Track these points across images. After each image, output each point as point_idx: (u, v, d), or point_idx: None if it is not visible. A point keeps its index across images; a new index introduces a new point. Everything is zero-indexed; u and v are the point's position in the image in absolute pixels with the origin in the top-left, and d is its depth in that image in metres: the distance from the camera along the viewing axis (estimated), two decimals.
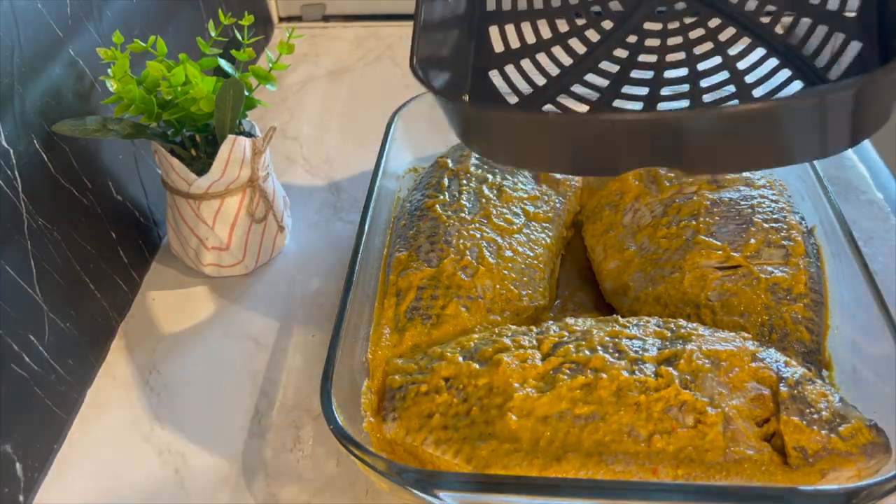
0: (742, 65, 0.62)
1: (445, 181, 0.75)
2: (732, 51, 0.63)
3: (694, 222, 0.66)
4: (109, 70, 0.67)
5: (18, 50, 0.61)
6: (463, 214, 0.70)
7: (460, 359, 0.57)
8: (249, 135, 0.74)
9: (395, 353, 0.62)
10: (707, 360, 0.54)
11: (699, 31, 0.64)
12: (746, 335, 0.57)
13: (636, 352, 0.55)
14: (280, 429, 0.64)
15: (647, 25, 0.65)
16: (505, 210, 0.72)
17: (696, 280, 0.63)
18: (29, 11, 0.63)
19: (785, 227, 0.66)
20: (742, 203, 0.67)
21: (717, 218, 0.66)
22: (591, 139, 0.47)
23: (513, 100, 0.65)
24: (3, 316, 0.57)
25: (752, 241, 0.64)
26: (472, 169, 0.76)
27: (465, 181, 0.74)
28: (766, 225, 0.65)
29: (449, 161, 0.78)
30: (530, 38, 0.66)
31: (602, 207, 0.73)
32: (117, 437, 0.64)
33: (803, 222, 0.68)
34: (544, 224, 0.72)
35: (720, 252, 0.64)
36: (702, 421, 0.51)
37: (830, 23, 0.59)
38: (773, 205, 0.68)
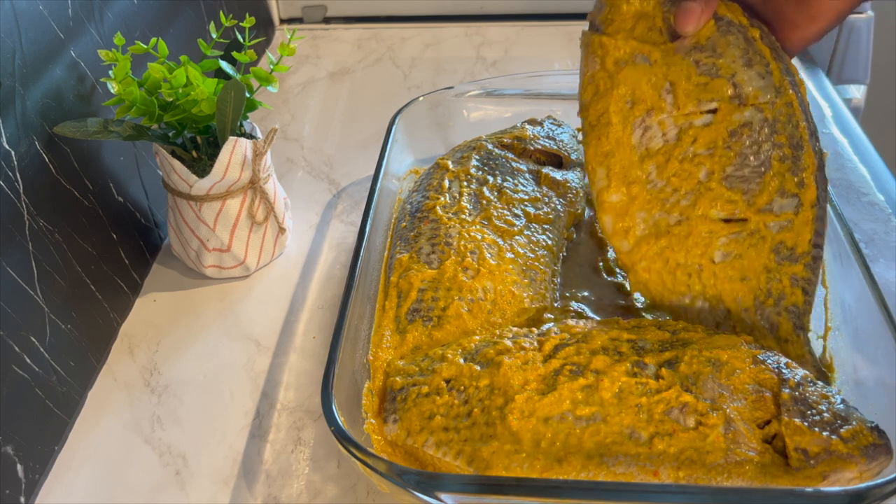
0: None
1: (446, 183, 0.75)
2: None
3: (709, 159, 0.61)
4: (111, 72, 0.67)
5: (20, 51, 0.61)
6: (464, 216, 0.70)
7: (461, 360, 0.57)
8: (250, 136, 0.74)
9: (397, 354, 0.62)
10: (708, 362, 0.54)
11: None
12: (748, 338, 0.57)
13: (637, 353, 0.55)
14: (281, 430, 0.64)
15: None
16: (506, 211, 0.72)
17: (701, 238, 0.61)
18: (30, 13, 0.63)
19: (801, 165, 0.61)
20: (764, 130, 0.61)
21: (733, 155, 0.61)
22: None
23: None
24: (4, 317, 0.57)
25: (767, 191, 0.60)
26: (473, 171, 0.76)
27: (465, 183, 0.74)
28: (782, 166, 0.60)
29: (449, 162, 0.78)
30: None
31: (609, 115, 0.63)
32: (118, 439, 0.64)
33: (817, 147, 0.62)
34: (545, 226, 0.72)
35: (732, 204, 0.60)
36: (703, 423, 0.51)
37: None
38: (794, 130, 0.61)
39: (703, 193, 0.61)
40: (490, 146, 0.79)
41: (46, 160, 0.64)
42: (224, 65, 0.72)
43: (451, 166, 0.77)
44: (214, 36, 0.72)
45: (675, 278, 0.61)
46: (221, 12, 0.74)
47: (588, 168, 0.65)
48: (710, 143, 0.61)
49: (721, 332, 0.58)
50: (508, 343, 0.58)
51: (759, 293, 0.59)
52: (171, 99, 0.69)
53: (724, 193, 0.60)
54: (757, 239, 0.60)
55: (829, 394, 0.52)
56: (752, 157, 0.61)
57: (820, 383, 0.53)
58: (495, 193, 0.73)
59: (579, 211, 0.78)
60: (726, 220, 0.60)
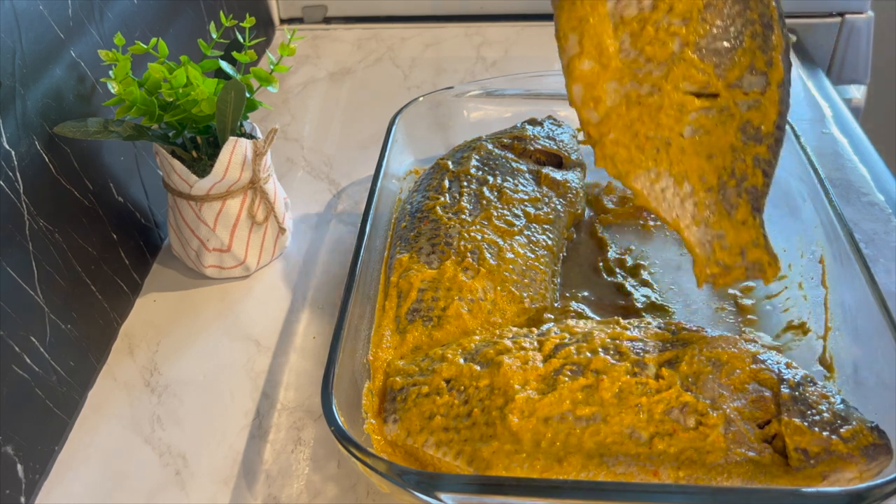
0: None
1: (446, 183, 0.75)
2: None
3: (684, 29, 0.60)
4: (111, 72, 0.67)
5: (20, 51, 0.61)
6: (464, 216, 0.70)
7: (461, 360, 0.57)
8: (251, 136, 0.74)
9: (397, 354, 0.62)
10: (708, 362, 0.54)
11: None
12: (748, 338, 0.57)
13: (637, 353, 0.55)
14: (281, 430, 0.64)
15: None
16: (506, 212, 0.72)
17: (674, 109, 0.60)
18: (30, 13, 0.63)
19: (771, 45, 0.61)
20: (738, 4, 0.61)
21: (708, 26, 0.60)
22: None
23: None
24: (4, 317, 0.57)
25: (738, 66, 0.60)
26: (473, 171, 0.76)
27: (465, 183, 0.74)
28: (753, 43, 0.60)
29: (449, 163, 0.78)
30: None
31: None
32: (118, 439, 0.64)
33: (785, 30, 0.62)
34: (545, 226, 0.72)
35: (704, 76, 0.60)
36: (703, 422, 0.51)
37: None
38: (765, 9, 0.61)
39: (675, 64, 0.60)
40: (490, 146, 0.79)
41: (46, 160, 0.64)
42: (224, 65, 0.72)
43: (451, 166, 0.77)
44: (214, 36, 0.72)
45: (643, 152, 0.60)
46: (221, 12, 0.74)
47: (559, 35, 0.62)
48: (685, 13, 0.60)
49: (721, 333, 0.58)
50: (508, 343, 0.58)
51: (723, 172, 0.59)
52: (171, 99, 0.69)
53: (696, 65, 0.60)
54: (726, 116, 0.59)
55: (829, 394, 0.52)
56: (725, 31, 0.60)
57: (820, 383, 0.53)
58: (495, 193, 0.73)
59: (579, 211, 0.78)
60: (697, 95, 0.60)
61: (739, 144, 0.59)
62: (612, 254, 0.75)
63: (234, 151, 0.70)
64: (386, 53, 1.18)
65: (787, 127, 0.77)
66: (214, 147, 0.73)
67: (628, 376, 0.53)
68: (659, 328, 0.58)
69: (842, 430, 0.50)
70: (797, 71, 1.08)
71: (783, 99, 0.61)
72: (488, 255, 0.67)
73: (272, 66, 0.73)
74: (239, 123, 0.73)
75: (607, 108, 0.60)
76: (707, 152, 0.59)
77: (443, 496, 0.48)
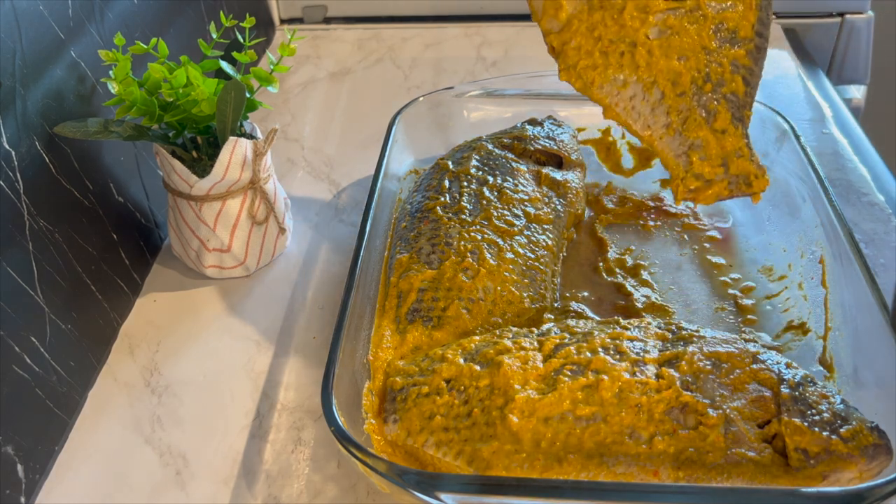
0: None
1: (446, 183, 0.75)
2: None
3: None
4: (111, 72, 0.67)
5: (20, 51, 0.61)
6: (464, 216, 0.70)
7: (461, 360, 0.57)
8: (251, 137, 0.74)
9: (397, 354, 0.62)
10: (708, 362, 0.54)
11: None
12: (748, 338, 0.57)
13: (637, 353, 0.55)
14: (281, 430, 0.64)
15: None
16: (506, 212, 0.72)
17: (637, 10, 0.57)
18: (31, 13, 0.63)
19: None
20: None
21: None
22: None
23: None
24: (4, 317, 0.57)
25: None
26: (473, 171, 0.76)
27: (465, 183, 0.74)
28: None
29: (450, 163, 0.78)
30: None
31: None
32: (118, 439, 0.64)
33: None
34: (545, 226, 0.72)
35: None
36: (703, 422, 0.51)
37: None
38: None
39: None
40: (490, 146, 0.79)
41: (47, 160, 0.64)
42: (224, 65, 0.72)
43: (451, 166, 0.77)
44: (215, 36, 0.72)
45: (608, 57, 0.57)
46: (221, 12, 0.74)
47: None
48: None
49: (721, 333, 0.58)
50: (508, 343, 0.58)
51: (696, 76, 0.56)
52: (171, 99, 0.69)
53: None
54: (697, 17, 0.56)
55: (829, 394, 0.52)
56: None
57: (820, 383, 0.53)
58: (495, 193, 0.73)
59: (579, 211, 0.78)
60: None
61: (713, 46, 0.56)
62: (612, 254, 0.75)
63: (234, 151, 0.70)
64: (386, 53, 1.18)
65: (788, 127, 0.78)
66: (214, 147, 0.73)
67: (628, 376, 0.53)
68: (659, 328, 0.58)
69: (842, 430, 0.50)
70: (797, 71, 1.08)
71: (763, 6, 0.57)
72: (488, 256, 0.67)
73: (272, 66, 0.73)
74: (239, 123, 0.73)
75: (568, 14, 0.57)
76: (677, 54, 0.56)
77: (443, 496, 0.48)
